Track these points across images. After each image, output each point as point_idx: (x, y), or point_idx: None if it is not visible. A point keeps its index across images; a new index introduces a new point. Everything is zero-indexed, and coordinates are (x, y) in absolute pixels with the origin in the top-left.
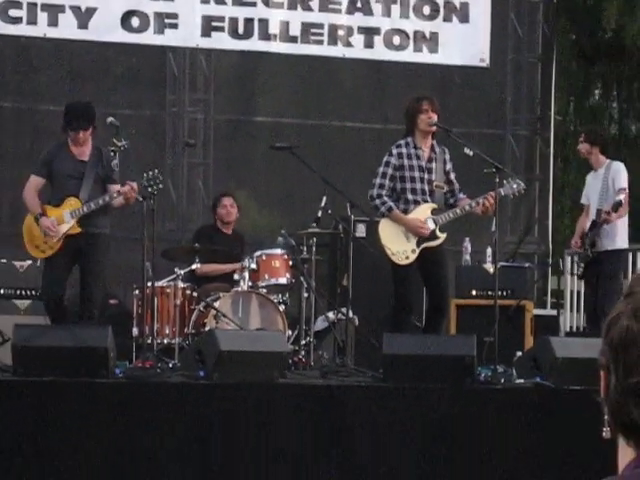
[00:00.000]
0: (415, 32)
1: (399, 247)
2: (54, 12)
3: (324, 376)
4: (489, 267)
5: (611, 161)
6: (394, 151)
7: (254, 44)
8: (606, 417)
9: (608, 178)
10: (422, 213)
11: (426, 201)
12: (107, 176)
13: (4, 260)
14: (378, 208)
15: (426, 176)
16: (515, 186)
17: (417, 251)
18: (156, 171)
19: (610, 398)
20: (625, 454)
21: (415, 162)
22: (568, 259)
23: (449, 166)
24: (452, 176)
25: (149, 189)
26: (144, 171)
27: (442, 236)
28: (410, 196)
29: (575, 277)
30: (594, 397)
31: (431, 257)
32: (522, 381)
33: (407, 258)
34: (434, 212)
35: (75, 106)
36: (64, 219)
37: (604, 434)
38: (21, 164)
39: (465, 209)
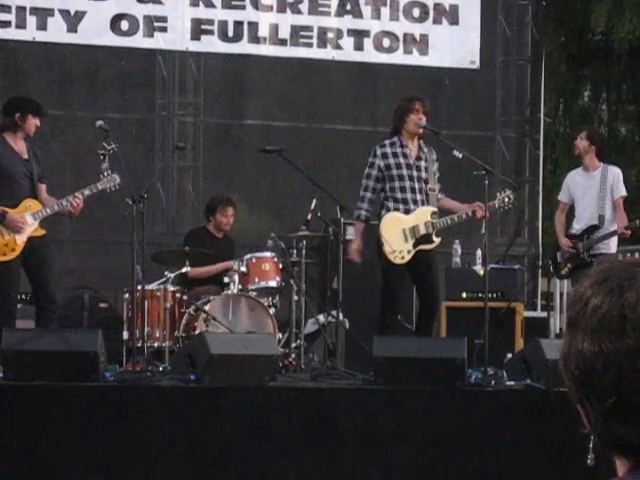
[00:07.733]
0: (405, 34)
1: (397, 246)
2: (43, 16)
3: (314, 379)
4: (479, 269)
5: (607, 165)
6: (378, 151)
7: (243, 47)
8: (591, 445)
9: (606, 183)
10: (422, 216)
11: (415, 200)
12: (41, 175)
13: None
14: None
15: (415, 174)
16: (507, 200)
17: (412, 252)
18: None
19: (594, 427)
20: (623, 463)
21: (402, 160)
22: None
23: (436, 166)
24: (437, 176)
25: (107, 191)
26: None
27: (437, 240)
28: (399, 195)
29: (563, 278)
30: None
31: (423, 260)
32: (512, 383)
33: (402, 258)
34: (433, 216)
35: (23, 97)
36: (27, 221)
37: (589, 462)
38: None
39: (462, 217)
